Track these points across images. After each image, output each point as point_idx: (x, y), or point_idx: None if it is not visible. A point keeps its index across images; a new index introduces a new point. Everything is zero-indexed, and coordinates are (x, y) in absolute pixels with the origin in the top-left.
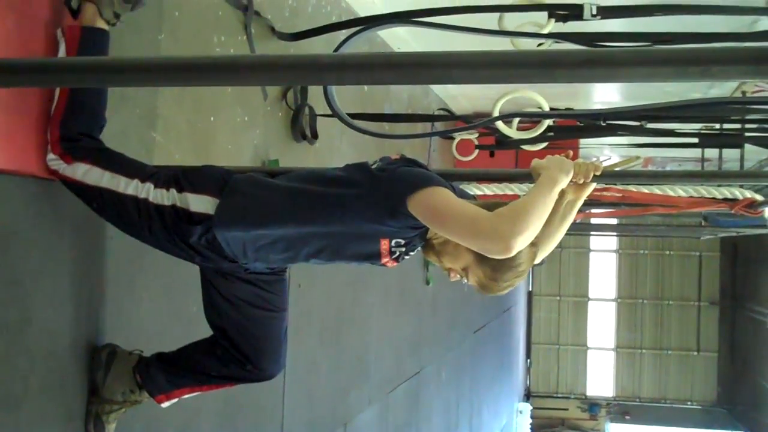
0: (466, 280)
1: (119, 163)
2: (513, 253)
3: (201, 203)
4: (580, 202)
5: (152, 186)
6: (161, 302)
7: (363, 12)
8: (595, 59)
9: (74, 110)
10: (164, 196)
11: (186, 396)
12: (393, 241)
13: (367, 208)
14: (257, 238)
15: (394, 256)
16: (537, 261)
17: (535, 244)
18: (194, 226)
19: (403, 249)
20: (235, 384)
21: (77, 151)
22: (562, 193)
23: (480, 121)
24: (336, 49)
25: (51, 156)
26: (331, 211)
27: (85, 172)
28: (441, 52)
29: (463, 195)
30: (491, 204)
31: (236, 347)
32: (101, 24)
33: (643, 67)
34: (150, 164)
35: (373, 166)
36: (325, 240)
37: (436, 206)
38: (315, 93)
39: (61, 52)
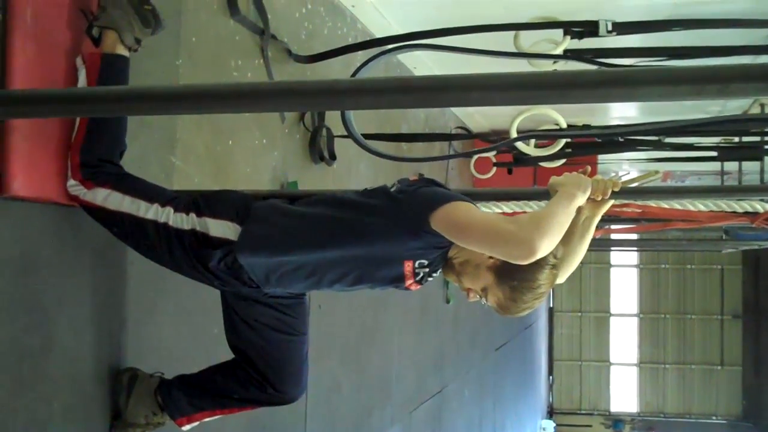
0: (485, 301)
1: (139, 188)
2: (537, 257)
3: (220, 228)
4: (597, 219)
5: (172, 210)
6: (182, 325)
7: (379, 33)
8: (612, 79)
9: (94, 136)
10: (184, 221)
11: (207, 419)
12: (417, 263)
13: (390, 232)
14: (281, 265)
15: (417, 278)
16: (560, 281)
17: (555, 266)
18: (214, 250)
19: (427, 270)
20: (256, 407)
21: (98, 176)
22: (580, 210)
23: (498, 143)
24: (354, 73)
25: (72, 182)
26: (354, 237)
27: (105, 197)
28: (458, 75)
29: None
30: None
31: (257, 370)
32: (121, 50)
33: (660, 87)
34: (170, 189)
35: (392, 189)
36: (348, 265)
37: (458, 219)
38: (332, 114)
39: (82, 79)
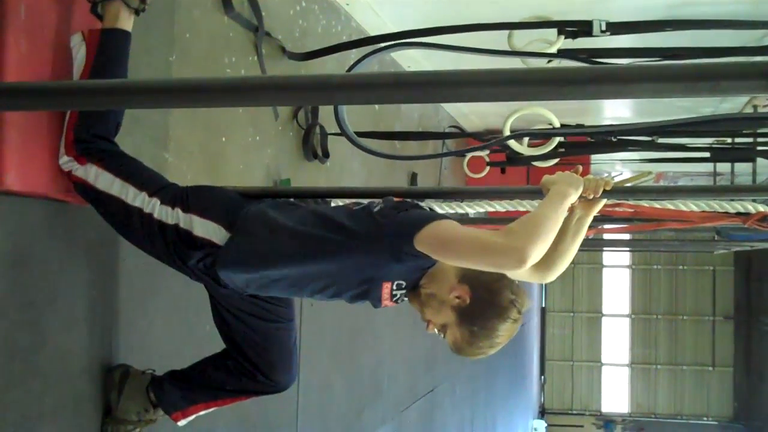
0: (442, 336)
1: (131, 172)
2: (529, 263)
3: (205, 228)
4: (590, 218)
5: (158, 202)
6: (174, 322)
7: (373, 31)
8: (604, 76)
9: (90, 113)
10: (169, 214)
11: (202, 413)
12: (395, 284)
13: (372, 254)
14: (262, 278)
15: (394, 299)
16: (550, 280)
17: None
18: (194, 250)
19: (404, 291)
20: (249, 397)
21: (91, 152)
22: (572, 210)
23: (490, 140)
24: (349, 70)
25: (65, 158)
26: (337, 257)
27: (96, 176)
28: (450, 70)
29: None
30: None
31: (247, 359)
32: (124, 22)
33: (651, 84)
34: (164, 177)
35: (376, 210)
36: (329, 280)
37: (443, 235)
38: (326, 112)
39: (80, 57)
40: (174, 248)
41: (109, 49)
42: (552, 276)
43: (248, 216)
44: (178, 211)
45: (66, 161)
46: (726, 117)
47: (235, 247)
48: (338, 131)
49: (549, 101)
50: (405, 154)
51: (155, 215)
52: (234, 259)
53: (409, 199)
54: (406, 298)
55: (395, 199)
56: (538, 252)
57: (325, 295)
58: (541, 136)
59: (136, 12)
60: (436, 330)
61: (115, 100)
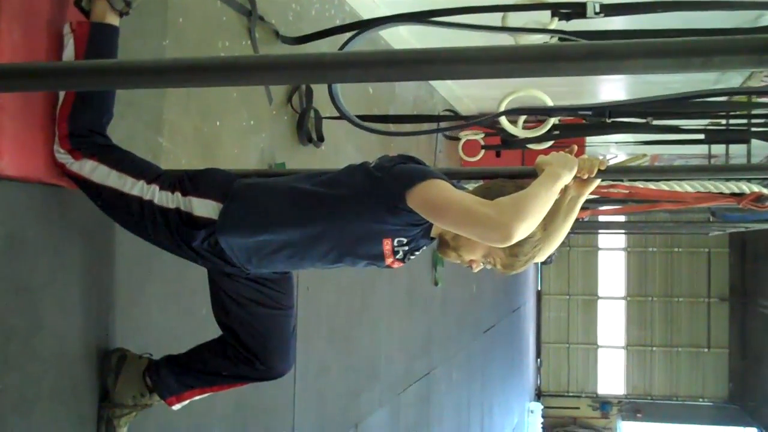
0: (490, 266)
1: (126, 163)
2: (513, 241)
3: (204, 208)
4: (582, 199)
5: (157, 188)
6: (171, 306)
7: (366, 15)
8: (597, 52)
9: (82, 104)
10: (169, 199)
11: (197, 397)
12: (395, 240)
13: (368, 207)
14: (261, 246)
15: (398, 256)
16: (540, 260)
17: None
18: (197, 230)
19: (406, 248)
20: (245, 383)
21: (86, 147)
22: (566, 189)
23: (485, 117)
24: (340, 49)
25: (60, 150)
26: (333, 212)
27: (92, 170)
28: (444, 48)
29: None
30: (493, 191)
31: (244, 346)
32: (111, 19)
33: (645, 59)
34: (158, 165)
35: (372, 166)
36: (328, 243)
37: (434, 198)
38: (320, 96)
39: (69, 48)
40: (177, 231)
41: (98, 43)
42: (541, 256)
43: (240, 183)
44: (178, 195)
45: (61, 154)
46: (720, 92)
47: (230, 210)
48: (332, 115)
49: (544, 82)
50: (399, 138)
51: (155, 201)
52: (231, 221)
53: (406, 154)
54: (413, 256)
55: (391, 155)
56: (524, 230)
57: (328, 260)
58: (534, 114)
59: (120, 14)
60: (482, 264)
61: (108, 80)
